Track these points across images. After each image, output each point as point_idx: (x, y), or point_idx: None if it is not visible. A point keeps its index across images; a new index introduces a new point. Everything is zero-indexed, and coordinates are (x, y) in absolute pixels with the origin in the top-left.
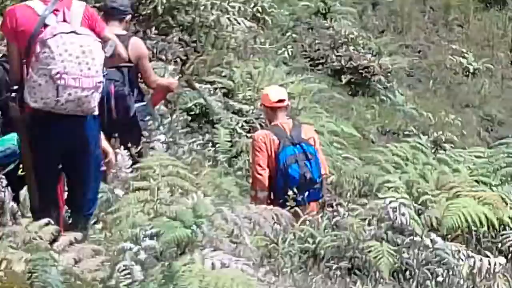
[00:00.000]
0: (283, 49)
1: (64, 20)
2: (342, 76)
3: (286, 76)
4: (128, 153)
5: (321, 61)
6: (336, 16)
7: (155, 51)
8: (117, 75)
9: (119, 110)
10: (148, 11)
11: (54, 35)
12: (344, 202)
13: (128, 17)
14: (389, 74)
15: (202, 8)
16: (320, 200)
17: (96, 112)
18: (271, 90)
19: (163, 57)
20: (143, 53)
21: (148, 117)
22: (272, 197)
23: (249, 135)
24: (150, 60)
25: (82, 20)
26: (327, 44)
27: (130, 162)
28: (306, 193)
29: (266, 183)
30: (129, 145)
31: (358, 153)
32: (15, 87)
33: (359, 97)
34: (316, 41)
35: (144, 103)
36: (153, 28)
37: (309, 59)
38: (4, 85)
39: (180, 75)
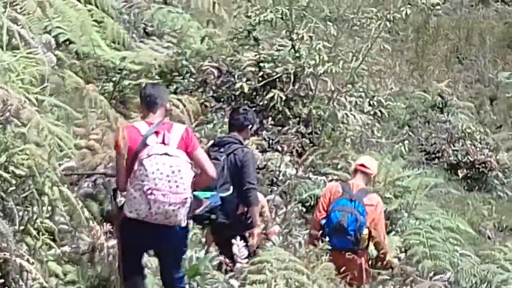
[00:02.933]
0: (399, 142)
1: (163, 142)
2: (459, 171)
3: (402, 169)
4: (244, 244)
5: (437, 155)
6: (453, 110)
7: (270, 142)
8: None
9: None
10: (265, 102)
11: (149, 156)
12: None
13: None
14: (506, 170)
15: (319, 100)
16: (350, 252)
17: (183, 224)
18: (361, 157)
19: (279, 148)
20: None
21: None
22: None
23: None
24: (266, 151)
25: (179, 141)
26: (443, 138)
27: (246, 252)
28: (336, 240)
29: (318, 224)
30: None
31: (475, 249)
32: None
33: (475, 192)
34: (433, 135)
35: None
36: (270, 119)
37: (425, 152)
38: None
39: (297, 167)
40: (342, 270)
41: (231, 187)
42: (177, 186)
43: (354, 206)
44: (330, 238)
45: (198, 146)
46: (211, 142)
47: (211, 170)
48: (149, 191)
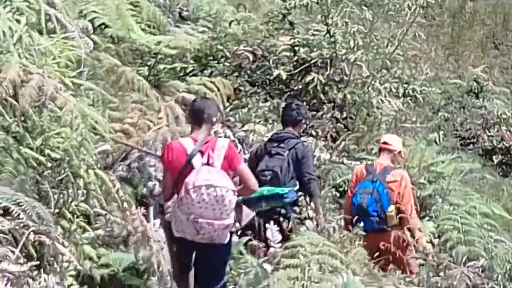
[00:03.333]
0: (434, 127)
1: (208, 163)
2: (494, 157)
3: (436, 155)
4: (278, 228)
5: (472, 140)
6: (489, 96)
7: (305, 126)
8: None
9: None
10: (300, 87)
11: (195, 187)
12: (495, 286)
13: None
14: None
15: (353, 85)
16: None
17: (226, 241)
18: (384, 135)
19: (314, 133)
20: None
21: None
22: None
23: None
24: (301, 136)
25: (223, 161)
26: (478, 123)
27: (280, 237)
28: (362, 223)
29: (348, 209)
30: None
31: (510, 235)
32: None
33: (510, 178)
34: (468, 121)
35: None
36: (304, 103)
37: (460, 138)
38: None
39: (331, 151)
40: (375, 252)
41: (297, 181)
42: (221, 214)
43: (375, 187)
44: (358, 221)
45: (241, 161)
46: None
47: (255, 185)
48: (195, 219)
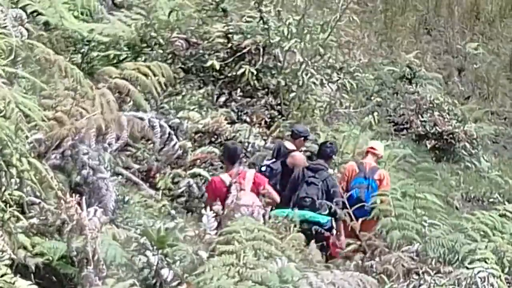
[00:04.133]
0: (368, 113)
1: (241, 189)
2: (427, 142)
3: (370, 140)
4: (214, 215)
5: (405, 126)
6: (422, 81)
7: (239, 113)
8: None
9: None
10: (234, 73)
11: (234, 207)
12: (429, 270)
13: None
14: (474, 141)
15: (287, 72)
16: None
17: None
18: (371, 141)
19: (248, 119)
20: None
21: None
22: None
23: None
24: (235, 122)
25: (252, 185)
26: (411, 109)
27: (216, 224)
28: (357, 211)
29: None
30: (216, 207)
31: (443, 220)
32: None
33: (444, 163)
34: (401, 106)
35: None
36: (238, 90)
37: (393, 123)
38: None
39: (265, 138)
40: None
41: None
42: None
43: (369, 183)
44: (353, 210)
45: (266, 183)
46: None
47: (277, 198)
48: None
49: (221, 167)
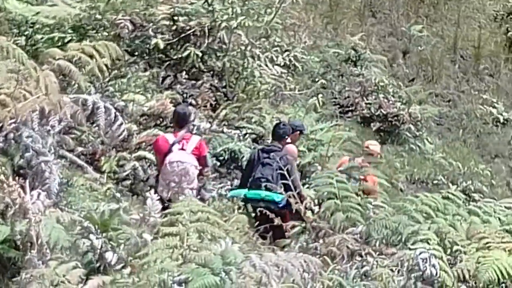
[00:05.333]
0: (313, 95)
1: (182, 148)
2: (372, 124)
3: (315, 123)
4: (158, 197)
5: (350, 108)
6: (367, 64)
7: (185, 96)
8: None
9: None
10: (179, 56)
11: (170, 163)
12: (372, 252)
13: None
14: (418, 123)
15: (233, 54)
16: None
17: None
18: (367, 141)
19: (193, 102)
20: None
21: None
22: None
23: None
24: (178, 104)
25: (194, 149)
26: (357, 91)
27: (160, 206)
28: None
29: None
30: (160, 189)
31: (387, 201)
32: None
33: (388, 145)
34: (346, 88)
35: None
36: (184, 73)
37: (338, 106)
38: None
39: (211, 121)
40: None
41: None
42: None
43: None
44: None
45: (206, 152)
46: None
47: (209, 169)
48: (169, 184)
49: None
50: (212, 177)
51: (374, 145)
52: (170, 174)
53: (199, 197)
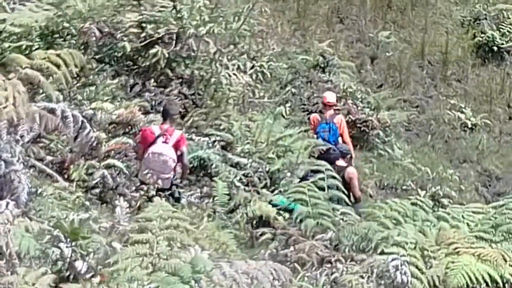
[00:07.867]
0: (282, 102)
1: (165, 142)
2: None
3: (284, 129)
4: (128, 205)
5: None
6: (335, 70)
7: (153, 103)
8: None
9: None
10: (147, 63)
11: (153, 153)
12: (342, 258)
13: None
14: (387, 129)
15: (201, 61)
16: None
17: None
18: (326, 94)
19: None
20: None
21: None
22: None
23: (247, 188)
24: (149, 112)
25: (175, 142)
26: None
27: (129, 214)
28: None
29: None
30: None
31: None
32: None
33: (357, 151)
34: (315, 95)
35: None
36: (152, 80)
37: (307, 112)
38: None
39: (179, 128)
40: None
41: None
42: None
43: (330, 126)
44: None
45: (185, 146)
46: None
47: (187, 164)
48: (150, 171)
49: (135, 158)
50: (182, 184)
51: (330, 96)
52: (152, 163)
53: (170, 192)
